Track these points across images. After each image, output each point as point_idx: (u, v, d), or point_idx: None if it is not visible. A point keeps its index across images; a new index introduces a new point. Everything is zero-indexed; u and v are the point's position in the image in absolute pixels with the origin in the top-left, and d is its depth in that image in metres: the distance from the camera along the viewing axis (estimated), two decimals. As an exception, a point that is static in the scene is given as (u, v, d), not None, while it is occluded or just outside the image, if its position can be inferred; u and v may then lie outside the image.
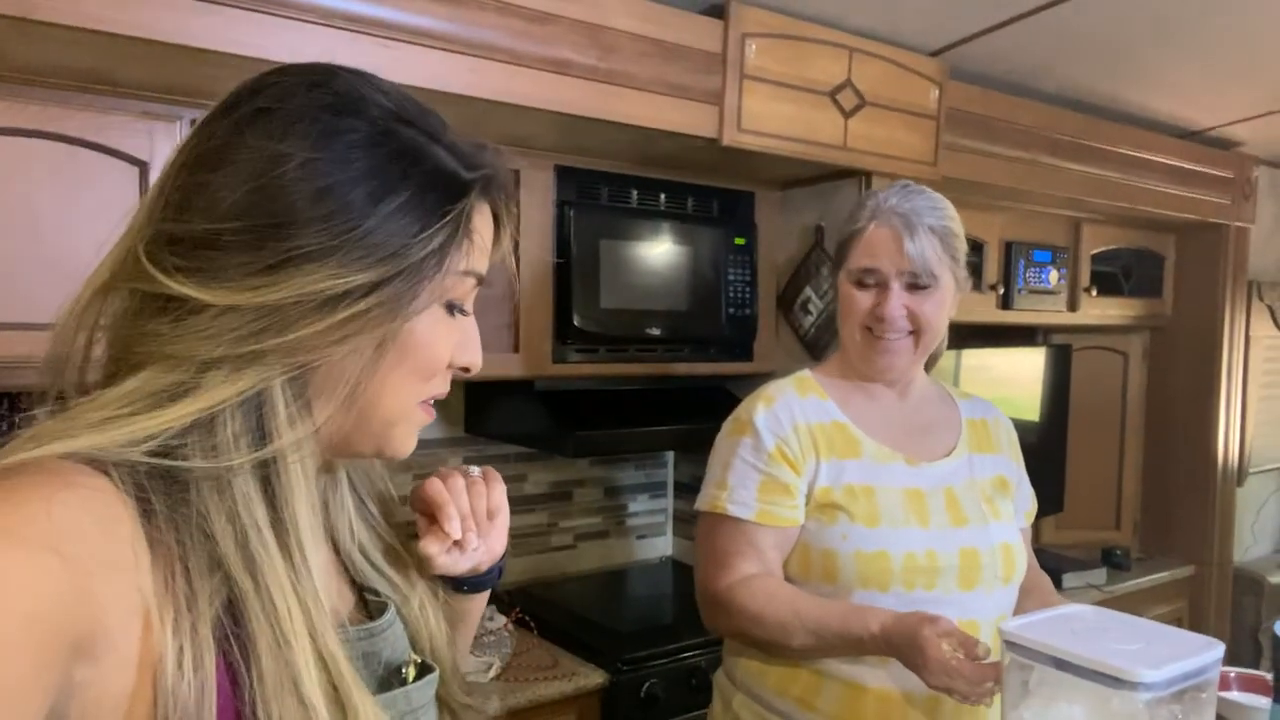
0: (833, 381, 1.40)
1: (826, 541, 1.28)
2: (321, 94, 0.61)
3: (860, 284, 1.34)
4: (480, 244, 0.66)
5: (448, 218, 0.62)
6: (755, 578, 1.28)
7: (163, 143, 1.56)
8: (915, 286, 1.32)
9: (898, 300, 1.31)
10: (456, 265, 0.64)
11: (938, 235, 1.31)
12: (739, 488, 1.31)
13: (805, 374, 1.42)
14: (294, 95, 0.61)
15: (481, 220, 0.66)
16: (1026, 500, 1.47)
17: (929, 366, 1.47)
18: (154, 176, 1.53)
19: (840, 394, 1.39)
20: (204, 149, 0.60)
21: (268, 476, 0.60)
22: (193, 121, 1.58)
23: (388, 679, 0.70)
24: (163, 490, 0.57)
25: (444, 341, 0.66)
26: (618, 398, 2.28)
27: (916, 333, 1.34)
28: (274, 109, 0.60)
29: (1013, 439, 1.49)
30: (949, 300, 1.36)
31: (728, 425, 1.38)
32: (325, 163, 0.59)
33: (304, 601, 0.59)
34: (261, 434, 0.59)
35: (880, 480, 1.31)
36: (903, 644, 1.12)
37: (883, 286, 1.32)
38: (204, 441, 0.58)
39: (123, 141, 1.53)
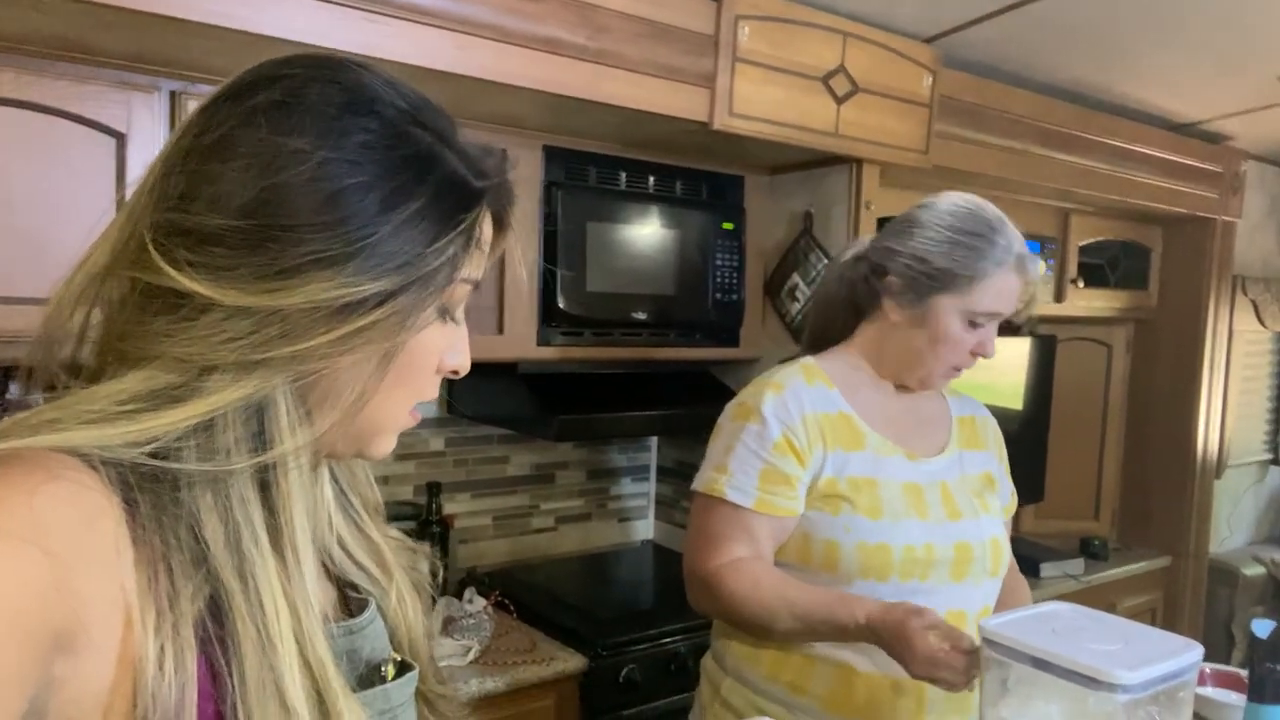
0: (839, 370, 1.40)
1: (829, 532, 1.28)
2: (337, 90, 0.60)
3: (972, 323, 1.33)
4: (485, 251, 0.66)
5: (460, 227, 0.61)
6: (744, 561, 1.28)
7: (141, 114, 1.53)
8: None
9: (992, 339, 1.35)
10: (462, 274, 0.63)
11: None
12: (739, 473, 1.30)
13: (809, 361, 1.40)
14: (309, 90, 0.59)
15: (486, 227, 0.66)
16: (1006, 495, 1.49)
17: None
18: (132, 148, 1.52)
19: (847, 384, 1.38)
20: (214, 137, 0.58)
21: (266, 481, 0.59)
22: (172, 93, 1.57)
23: (368, 677, 0.69)
24: (150, 489, 0.55)
25: (438, 348, 0.65)
26: (602, 382, 2.27)
27: None
28: (289, 103, 0.58)
29: (998, 436, 1.51)
30: None
31: (733, 409, 1.37)
32: (340, 163, 0.57)
33: (294, 604, 0.58)
34: (263, 439, 0.58)
35: (882, 473, 1.32)
36: (889, 635, 1.13)
37: (984, 325, 1.34)
38: (203, 444, 0.56)
39: (100, 112, 1.49)
